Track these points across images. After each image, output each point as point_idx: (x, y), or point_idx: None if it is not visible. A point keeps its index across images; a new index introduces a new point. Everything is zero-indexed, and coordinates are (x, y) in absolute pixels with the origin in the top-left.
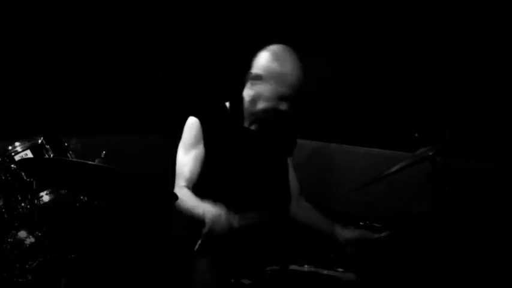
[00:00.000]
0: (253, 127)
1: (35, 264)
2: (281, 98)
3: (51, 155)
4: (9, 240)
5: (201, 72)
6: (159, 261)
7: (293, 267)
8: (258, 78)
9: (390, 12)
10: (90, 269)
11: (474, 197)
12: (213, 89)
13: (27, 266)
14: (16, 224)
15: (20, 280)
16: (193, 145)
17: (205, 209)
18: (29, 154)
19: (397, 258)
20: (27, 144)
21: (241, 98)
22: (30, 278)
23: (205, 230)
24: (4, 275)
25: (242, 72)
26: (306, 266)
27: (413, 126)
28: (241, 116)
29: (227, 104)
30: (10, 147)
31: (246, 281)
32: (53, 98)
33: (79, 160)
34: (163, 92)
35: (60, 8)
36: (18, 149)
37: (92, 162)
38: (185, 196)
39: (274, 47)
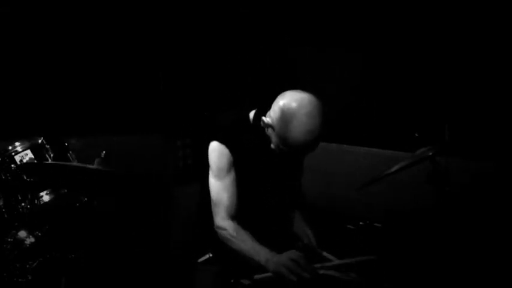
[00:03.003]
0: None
1: (35, 264)
2: (288, 152)
3: (51, 155)
4: (9, 240)
5: (210, 76)
6: (159, 261)
7: None
8: (269, 126)
9: (390, 13)
10: (90, 269)
11: (474, 197)
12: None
13: (27, 266)
14: (16, 224)
15: (20, 280)
16: (227, 172)
17: (269, 258)
18: (29, 154)
19: (397, 258)
20: (27, 144)
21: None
22: (30, 278)
23: (273, 273)
24: (4, 275)
25: (247, 76)
26: None
27: (413, 126)
28: (261, 129)
29: (251, 114)
30: (10, 147)
31: (246, 281)
32: (53, 98)
33: (79, 165)
34: (163, 92)
35: (60, 8)
36: (18, 149)
37: (92, 166)
38: (240, 236)
39: (289, 101)
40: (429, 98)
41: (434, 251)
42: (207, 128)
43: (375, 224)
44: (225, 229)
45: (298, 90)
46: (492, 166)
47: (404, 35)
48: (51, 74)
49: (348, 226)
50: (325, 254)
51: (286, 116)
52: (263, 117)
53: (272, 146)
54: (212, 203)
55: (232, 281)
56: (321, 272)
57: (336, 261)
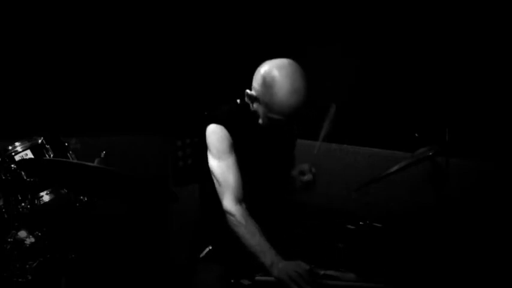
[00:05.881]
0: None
1: (35, 264)
2: (276, 121)
3: (51, 155)
4: (9, 240)
5: (203, 69)
6: (159, 261)
7: None
8: (253, 98)
9: (390, 12)
10: (90, 269)
11: (474, 197)
12: (218, 87)
13: (27, 266)
14: (16, 224)
15: (20, 280)
16: (229, 153)
17: (274, 262)
18: (29, 154)
19: (398, 258)
20: (27, 144)
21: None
22: (30, 278)
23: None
24: (4, 275)
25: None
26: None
27: (413, 126)
28: (253, 114)
29: (238, 101)
30: (10, 147)
31: (246, 281)
32: (53, 97)
33: (79, 162)
34: (163, 92)
35: (60, 8)
36: (18, 149)
37: (92, 164)
38: (249, 228)
39: (269, 67)
40: (429, 97)
41: (434, 251)
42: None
43: (375, 224)
44: (233, 215)
45: (277, 58)
46: (492, 166)
47: (404, 35)
48: (51, 74)
49: (348, 226)
50: (329, 272)
51: (268, 81)
52: (247, 90)
53: (260, 121)
54: (217, 185)
55: (232, 281)
56: (321, 272)
57: (343, 283)
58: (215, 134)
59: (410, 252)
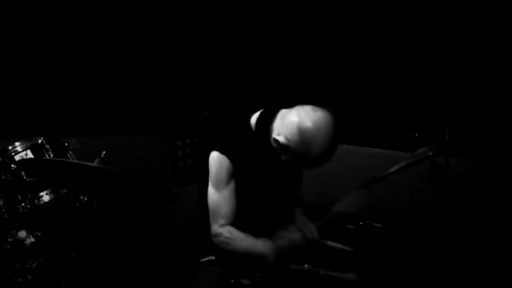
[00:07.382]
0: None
1: (35, 264)
2: (302, 164)
3: (51, 155)
4: (9, 240)
5: (213, 77)
6: (159, 262)
7: (293, 266)
8: (284, 147)
9: (390, 12)
10: (90, 269)
11: (474, 197)
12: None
13: (27, 266)
14: (16, 224)
15: (20, 280)
16: (226, 183)
17: (267, 243)
18: (29, 154)
19: (398, 258)
20: (27, 144)
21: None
22: (30, 278)
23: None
24: (4, 274)
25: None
26: (305, 265)
27: (413, 126)
28: (264, 137)
29: (252, 119)
30: (10, 147)
31: (246, 281)
32: (53, 97)
33: (79, 162)
34: (163, 92)
35: (60, 8)
36: (18, 149)
37: (92, 164)
38: (235, 236)
39: (305, 120)
40: (429, 98)
41: (434, 251)
42: (207, 131)
43: (375, 224)
44: (220, 234)
45: (310, 107)
46: (492, 166)
47: (404, 35)
48: (51, 73)
49: (348, 226)
50: (329, 243)
51: (306, 138)
52: (276, 137)
53: (283, 157)
54: (210, 212)
55: (232, 281)
56: (321, 272)
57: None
58: (216, 162)
59: (410, 252)
